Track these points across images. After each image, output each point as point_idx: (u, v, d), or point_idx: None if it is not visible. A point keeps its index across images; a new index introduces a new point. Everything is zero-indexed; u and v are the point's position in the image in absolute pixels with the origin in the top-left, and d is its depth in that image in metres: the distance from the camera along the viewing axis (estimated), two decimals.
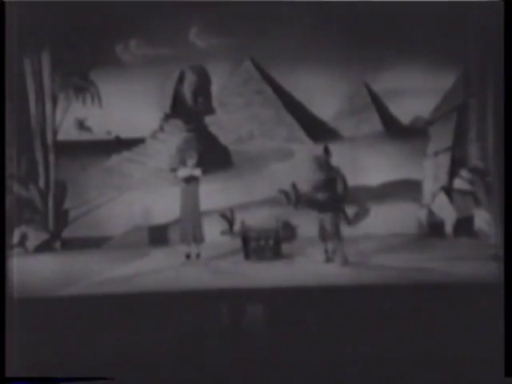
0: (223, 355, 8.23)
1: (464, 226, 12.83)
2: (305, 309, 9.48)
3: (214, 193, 12.79)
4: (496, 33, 9.94)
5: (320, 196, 11.30)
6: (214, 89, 13.71)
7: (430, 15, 12.07)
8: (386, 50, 12.71)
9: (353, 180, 11.70)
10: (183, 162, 12.21)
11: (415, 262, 11.37)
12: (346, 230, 11.61)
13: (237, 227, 12.90)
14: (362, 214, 11.33)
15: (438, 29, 12.29)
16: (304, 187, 11.52)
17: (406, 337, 8.38)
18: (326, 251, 11.63)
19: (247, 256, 11.94)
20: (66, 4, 11.90)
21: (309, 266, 11.48)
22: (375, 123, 13.82)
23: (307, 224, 12.21)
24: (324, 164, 11.38)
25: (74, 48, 12.98)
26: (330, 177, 11.34)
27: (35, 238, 13.06)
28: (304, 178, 11.47)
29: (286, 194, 13.29)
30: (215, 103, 13.84)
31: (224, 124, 13.89)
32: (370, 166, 12.71)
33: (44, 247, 13.07)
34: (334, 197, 11.31)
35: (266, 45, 12.87)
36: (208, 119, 13.89)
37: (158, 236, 13.32)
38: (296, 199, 13.19)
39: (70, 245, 13.17)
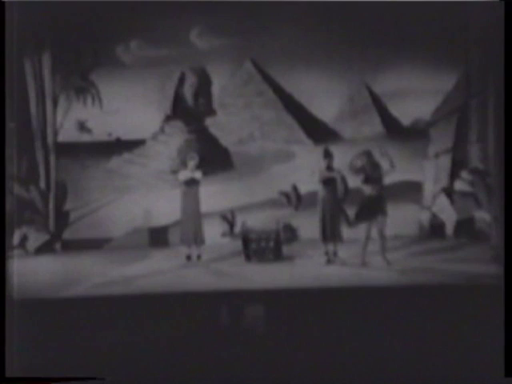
0: (223, 357, 8.20)
1: (464, 227, 12.83)
2: (305, 310, 9.45)
3: (215, 194, 12.80)
4: (496, 33, 9.93)
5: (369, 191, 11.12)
6: (215, 90, 13.73)
7: (430, 16, 12.08)
8: (386, 50, 12.73)
9: (353, 181, 11.66)
10: (184, 164, 12.18)
11: (416, 263, 11.37)
12: (346, 232, 11.60)
13: (237, 229, 12.91)
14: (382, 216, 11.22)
15: (439, 29, 12.31)
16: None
17: (406, 337, 8.36)
18: (327, 253, 11.59)
19: (248, 258, 11.92)
20: (66, 5, 11.91)
21: (309, 267, 11.46)
22: (376, 125, 13.81)
23: (308, 225, 12.21)
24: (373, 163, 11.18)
25: (75, 49, 13.01)
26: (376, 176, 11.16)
27: (36, 239, 13.07)
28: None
29: (286, 195, 13.31)
30: (216, 104, 13.84)
31: (225, 125, 13.89)
32: None
33: (44, 248, 13.09)
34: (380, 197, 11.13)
35: (267, 46, 12.90)
36: (208, 120, 13.90)
37: (158, 237, 13.33)
38: (296, 201, 13.21)
39: (71, 246, 13.18)
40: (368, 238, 11.13)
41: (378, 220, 11.02)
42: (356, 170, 11.13)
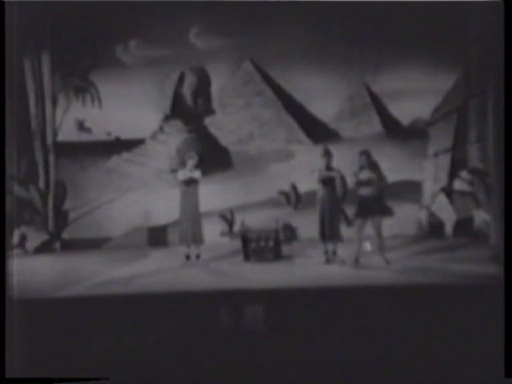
0: (223, 356, 8.19)
1: (464, 226, 12.84)
2: (305, 310, 9.44)
3: (214, 194, 12.79)
4: (496, 33, 9.91)
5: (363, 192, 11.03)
6: (214, 90, 13.75)
7: (430, 15, 12.08)
8: (385, 50, 12.75)
9: (353, 181, 11.64)
10: (183, 163, 12.15)
11: (415, 262, 11.36)
12: (345, 231, 11.60)
13: (237, 228, 12.90)
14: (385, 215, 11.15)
15: (438, 29, 12.31)
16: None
17: (405, 337, 8.35)
18: (326, 252, 11.58)
19: (247, 257, 11.90)
20: (66, 5, 11.91)
21: (309, 267, 11.45)
22: (375, 124, 13.82)
23: (307, 225, 12.20)
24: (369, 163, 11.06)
25: (74, 49, 13.02)
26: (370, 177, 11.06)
27: (35, 238, 13.07)
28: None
29: (285, 194, 13.31)
30: (215, 104, 13.86)
31: (224, 125, 13.90)
32: None
33: (44, 248, 13.09)
34: (378, 197, 11.04)
35: (266, 46, 12.91)
36: (208, 120, 13.91)
37: (157, 237, 13.34)
38: (296, 200, 13.21)
39: (70, 246, 13.19)
40: (361, 237, 11.11)
41: (374, 220, 10.98)
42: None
